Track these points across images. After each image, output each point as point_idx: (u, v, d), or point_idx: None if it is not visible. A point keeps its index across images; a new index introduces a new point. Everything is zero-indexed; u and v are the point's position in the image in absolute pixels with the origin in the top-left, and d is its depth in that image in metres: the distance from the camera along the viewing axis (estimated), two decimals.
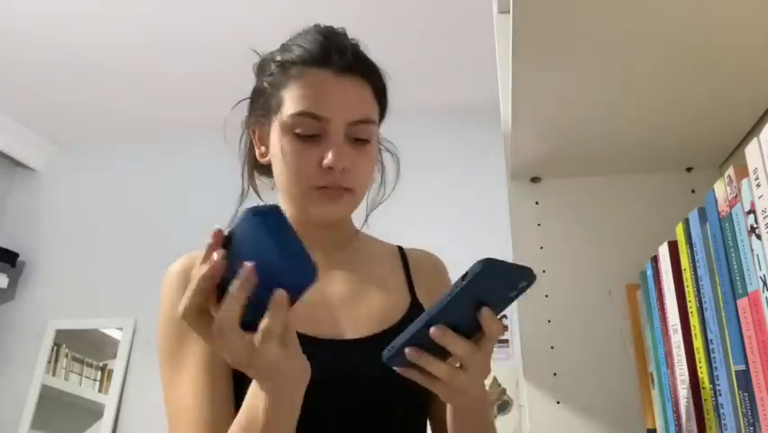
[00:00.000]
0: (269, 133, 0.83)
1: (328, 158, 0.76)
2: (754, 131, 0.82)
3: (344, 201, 0.81)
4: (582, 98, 0.78)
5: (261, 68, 0.87)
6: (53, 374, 2.95)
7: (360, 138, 0.80)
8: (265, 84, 0.84)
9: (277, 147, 0.80)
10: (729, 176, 0.56)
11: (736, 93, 0.75)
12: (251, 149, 0.89)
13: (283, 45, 0.86)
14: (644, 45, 0.66)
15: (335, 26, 0.87)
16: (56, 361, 2.97)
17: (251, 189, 0.91)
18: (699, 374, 0.64)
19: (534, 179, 1.03)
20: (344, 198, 0.80)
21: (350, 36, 0.86)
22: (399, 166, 0.96)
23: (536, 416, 0.91)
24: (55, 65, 2.79)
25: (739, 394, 0.55)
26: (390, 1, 2.37)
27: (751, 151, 0.52)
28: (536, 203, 1.02)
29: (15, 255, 3.15)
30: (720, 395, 0.59)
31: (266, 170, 0.89)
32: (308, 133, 0.78)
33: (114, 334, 2.97)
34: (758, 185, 0.50)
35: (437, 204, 2.76)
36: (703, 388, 0.63)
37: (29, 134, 3.33)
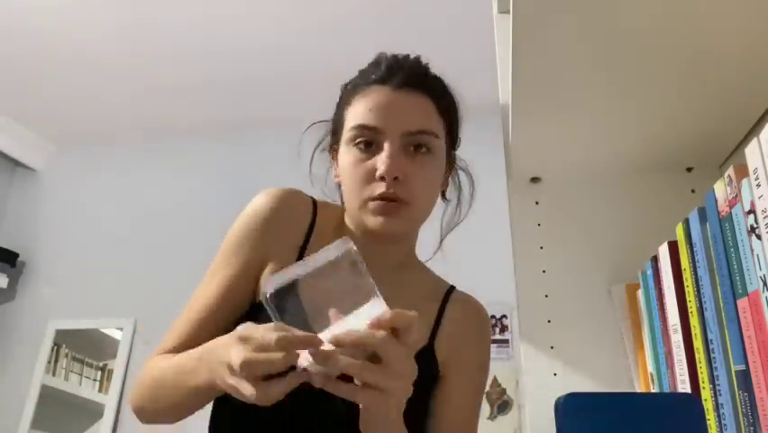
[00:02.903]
0: (338, 156, 0.84)
1: (380, 166, 0.76)
2: (754, 131, 0.82)
3: (400, 214, 0.78)
4: (582, 98, 0.78)
5: (339, 99, 0.89)
6: (53, 374, 2.95)
7: (419, 146, 0.79)
8: (337, 111, 0.87)
9: (341, 163, 0.82)
10: (729, 176, 0.56)
11: (736, 93, 0.75)
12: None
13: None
14: (645, 45, 0.66)
15: (400, 50, 0.87)
16: (56, 361, 2.97)
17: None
18: (699, 374, 0.64)
19: (534, 179, 1.03)
20: (400, 210, 0.78)
21: (423, 61, 0.87)
22: (474, 186, 0.95)
23: (536, 416, 0.91)
24: (55, 65, 2.79)
25: (739, 394, 0.55)
26: (390, 1, 2.36)
27: (751, 151, 0.52)
28: (536, 203, 1.02)
29: (15, 255, 3.15)
30: (720, 395, 0.59)
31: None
32: (365, 142, 0.79)
33: (114, 334, 2.97)
34: (758, 185, 0.50)
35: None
36: (703, 388, 0.63)
37: (29, 134, 3.33)
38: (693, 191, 0.95)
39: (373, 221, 0.78)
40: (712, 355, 0.60)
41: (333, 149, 0.88)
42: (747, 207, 0.52)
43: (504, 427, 2.44)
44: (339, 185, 0.87)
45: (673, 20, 0.62)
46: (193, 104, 3.06)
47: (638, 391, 0.85)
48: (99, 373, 2.95)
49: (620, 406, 0.47)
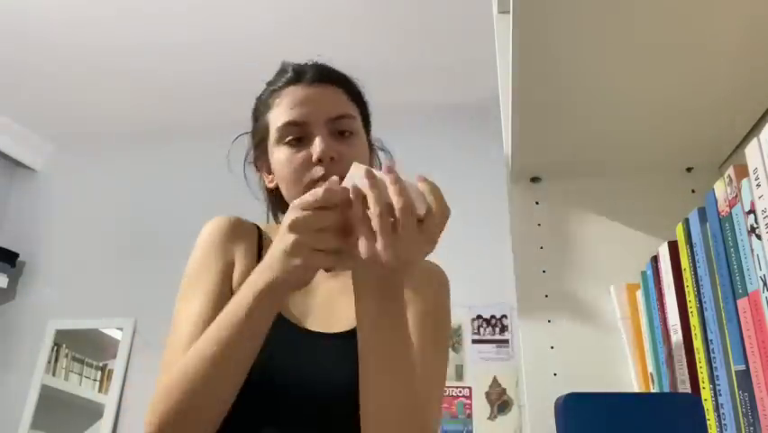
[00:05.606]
0: (270, 160, 0.90)
1: (315, 151, 0.82)
2: (754, 131, 0.82)
3: None
4: (582, 98, 0.78)
5: (254, 110, 0.96)
6: (53, 374, 2.95)
7: (343, 131, 0.86)
8: (257, 120, 0.93)
9: (275, 163, 0.87)
10: (729, 176, 0.56)
11: (736, 93, 0.75)
12: (264, 187, 0.95)
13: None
14: (645, 45, 0.66)
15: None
16: (56, 361, 2.97)
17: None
18: (699, 374, 0.64)
19: (534, 179, 1.03)
20: None
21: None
22: (392, 158, 1.00)
23: (536, 416, 0.91)
24: (56, 66, 2.79)
25: (739, 394, 0.55)
26: (391, 1, 2.36)
27: (751, 151, 0.52)
28: (536, 203, 1.02)
29: (15, 255, 3.15)
30: (720, 395, 0.59)
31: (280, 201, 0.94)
32: (295, 138, 0.85)
33: (114, 334, 2.97)
34: (758, 185, 0.50)
35: None
36: (703, 388, 0.63)
37: (29, 134, 3.33)
38: (693, 191, 0.95)
39: None
40: (712, 355, 0.60)
41: (260, 160, 0.94)
42: (747, 207, 0.52)
43: (504, 427, 2.44)
44: (270, 193, 0.94)
45: (673, 19, 0.62)
46: (194, 104, 3.06)
47: (638, 391, 0.85)
48: (99, 373, 2.95)
49: (620, 406, 0.47)
